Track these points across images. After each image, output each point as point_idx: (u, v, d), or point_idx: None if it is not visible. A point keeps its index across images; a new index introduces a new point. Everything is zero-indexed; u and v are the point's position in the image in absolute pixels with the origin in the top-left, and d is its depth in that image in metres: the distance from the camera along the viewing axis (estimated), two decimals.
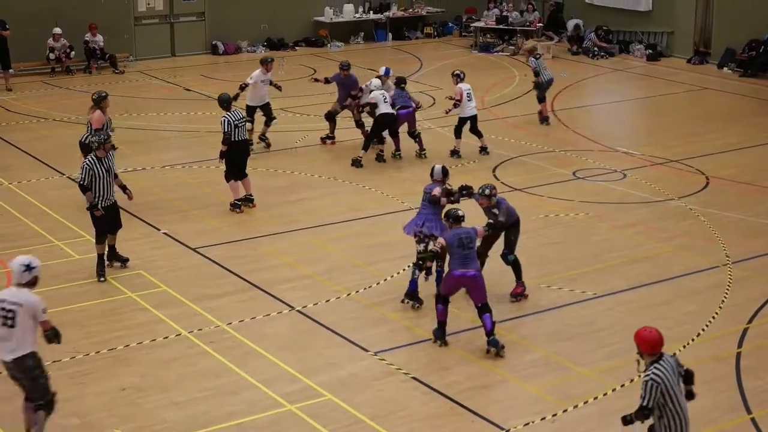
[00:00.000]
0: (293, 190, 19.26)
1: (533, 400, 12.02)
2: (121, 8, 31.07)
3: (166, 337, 13.51)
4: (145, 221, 17.57)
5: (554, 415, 11.69)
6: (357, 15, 34.69)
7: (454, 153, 21.32)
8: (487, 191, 14.23)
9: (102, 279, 15.31)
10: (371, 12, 35.00)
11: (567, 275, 15.56)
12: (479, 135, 21.44)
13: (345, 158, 21.20)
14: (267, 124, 21.80)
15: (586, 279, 15.45)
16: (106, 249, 15.52)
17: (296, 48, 33.57)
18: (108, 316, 14.18)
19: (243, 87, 21.17)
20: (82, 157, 17.26)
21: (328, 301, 14.61)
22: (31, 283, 10.64)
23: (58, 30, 28.81)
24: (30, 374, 10.67)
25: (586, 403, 11.95)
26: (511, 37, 33.82)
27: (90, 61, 29.53)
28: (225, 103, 18.27)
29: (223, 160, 18.07)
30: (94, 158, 15.07)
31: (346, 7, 34.38)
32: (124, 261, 15.76)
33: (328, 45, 33.92)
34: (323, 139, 22.46)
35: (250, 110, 21.39)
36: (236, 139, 17.92)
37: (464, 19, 36.24)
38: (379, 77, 21.67)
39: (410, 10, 35.79)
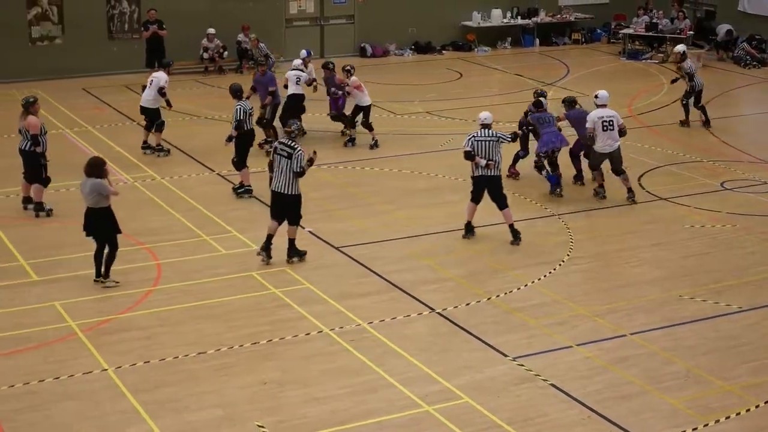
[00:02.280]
0: (436, 194, 19.34)
1: (673, 412, 11.86)
2: (273, 10, 31.67)
3: (308, 334, 13.71)
4: None
5: (694, 429, 11.51)
6: (505, 20, 34.56)
7: (352, 141, 22.45)
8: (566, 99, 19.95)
9: (264, 259, 15.93)
10: (519, 17, 34.82)
11: (712, 287, 15.30)
12: (370, 128, 22.25)
13: None
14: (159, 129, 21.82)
15: (732, 292, 15.15)
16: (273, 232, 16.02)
17: (443, 52, 33.64)
18: (252, 311, 14.44)
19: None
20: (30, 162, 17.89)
21: (468, 304, 14.64)
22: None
23: (212, 30, 29.49)
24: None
25: (727, 418, 11.73)
26: (661, 45, 33.32)
27: (242, 61, 30.15)
28: (238, 92, 19.06)
29: (231, 145, 18.85)
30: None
31: (494, 12, 34.29)
32: (301, 255, 16.16)
33: (475, 49, 33.89)
34: (261, 144, 21.61)
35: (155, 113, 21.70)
36: (247, 127, 18.69)
37: (613, 26, 35.77)
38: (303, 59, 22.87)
39: (558, 15, 35.54)
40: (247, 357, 13.11)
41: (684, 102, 24.12)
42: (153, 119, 21.71)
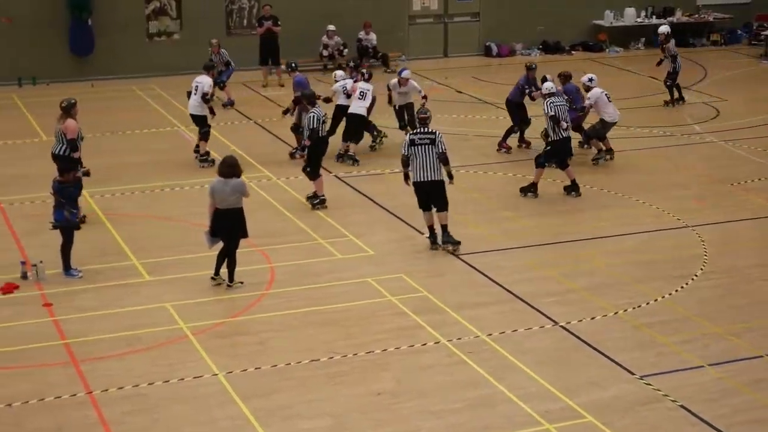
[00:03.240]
0: (563, 201, 18.88)
1: None
2: (397, 7, 31.36)
3: (425, 344, 13.37)
4: (408, 224, 17.51)
5: None
6: (638, 19, 33.78)
7: (349, 158, 21.20)
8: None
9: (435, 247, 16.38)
10: (654, 17, 33.96)
11: None
12: (356, 140, 21.50)
13: (615, 170, 20.61)
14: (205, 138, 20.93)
15: None
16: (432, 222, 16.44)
17: (572, 52, 32.97)
18: (367, 318, 14.16)
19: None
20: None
21: (593, 318, 14.14)
22: None
23: (331, 27, 29.25)
24: None
25: None
26: None
27: (362, 59, 29.66)
28: (311, 98, 18.65)
29: (306, 156, 18.31)
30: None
31: (627, 11, 33.55)
32: (455, 243, 16.19)
33: (607, 50, 33.19)
34: (292, 154, 21.04)
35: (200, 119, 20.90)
36: (321, 135, 18.25)
37: (755, 27, 34.62)
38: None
39: (696, 15, 34.55)
40: (360, 366, 12.84)
41: (668, 83, 25.90)
42: (201, 126, 20.96)
